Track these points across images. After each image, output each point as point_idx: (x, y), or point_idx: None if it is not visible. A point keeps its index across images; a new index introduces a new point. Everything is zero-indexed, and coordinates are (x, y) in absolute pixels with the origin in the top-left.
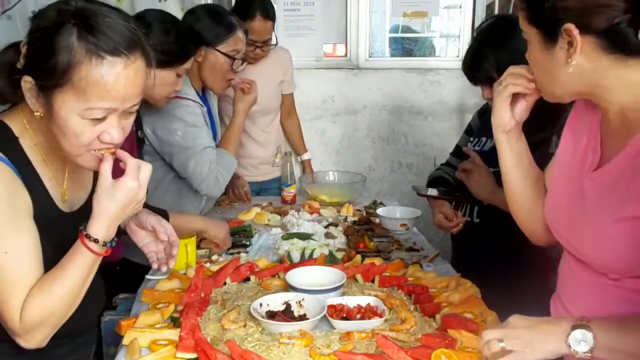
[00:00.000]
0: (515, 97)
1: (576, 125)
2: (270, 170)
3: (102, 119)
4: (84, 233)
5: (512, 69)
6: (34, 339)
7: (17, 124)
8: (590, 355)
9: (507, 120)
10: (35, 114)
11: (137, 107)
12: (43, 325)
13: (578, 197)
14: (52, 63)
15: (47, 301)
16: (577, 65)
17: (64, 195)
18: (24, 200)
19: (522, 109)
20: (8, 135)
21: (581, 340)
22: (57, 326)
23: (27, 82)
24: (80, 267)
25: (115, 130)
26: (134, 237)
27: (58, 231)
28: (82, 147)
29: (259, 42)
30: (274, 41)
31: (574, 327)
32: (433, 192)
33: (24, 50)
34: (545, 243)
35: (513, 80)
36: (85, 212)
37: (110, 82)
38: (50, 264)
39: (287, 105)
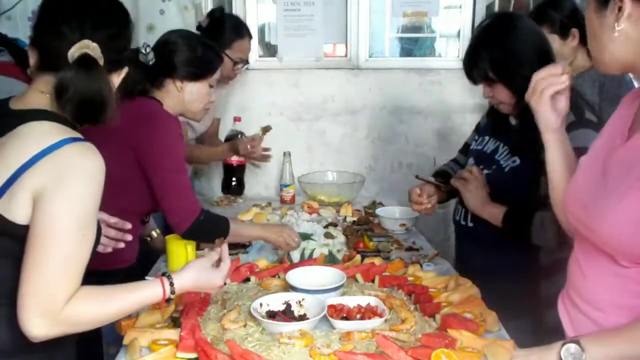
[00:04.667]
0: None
1: (614, 121)
2: None
3: None
4: (168, 275)
5: (539, 74)
6: (49, 330)
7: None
8: None
9: (554, 120)
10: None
11: None
12: (74, 326)
13: (600, 176)
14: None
15: (98, 312)
16: (623, 31)
17: None
18: (100, 196)
19: (563, 103)
20: (67, 121)
21: (572, 354)
22: (76, 332)
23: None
24: (144, 300)
25: None
26: None
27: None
28: None
29: (245, 60)
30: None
31: (563, 344)
32: (430, 179)
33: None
34: None
35: (546, 83)
36: None
37: None
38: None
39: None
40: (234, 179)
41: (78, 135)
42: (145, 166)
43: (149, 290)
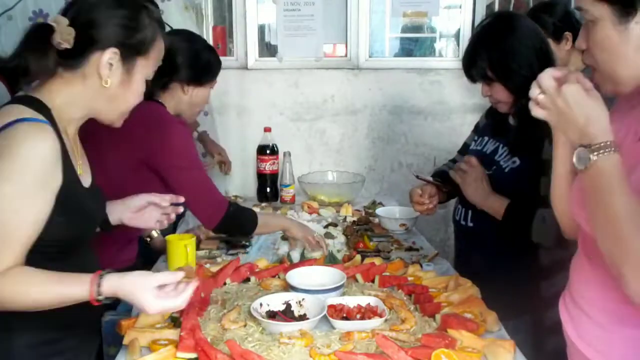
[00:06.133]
0: None
1: (615, 119)
2: None
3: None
4: (100, 274)
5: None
6: None
7: (46, 98)
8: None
9: None
10: (105, 84)
11: None
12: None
13: None
14: (142, 36)
15: (19, 293)
16: None
17: (79, 168)
18: (56, 178)
19: None
20: (42, 106)
21: (582, 158)
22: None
23: (110, 54)
24: (68, 296)
25: None
26: (132, 222)
27: (77, 203)
28: (135, 104)
29: None
30: None
31: (586, 146)
32: (429, 179)
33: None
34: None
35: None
36: (92, 193)
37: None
38: (64, 232)
39: None
40: (268, 187)
41: (42, 117)
42: (163, 171)
43: (76, 287)
